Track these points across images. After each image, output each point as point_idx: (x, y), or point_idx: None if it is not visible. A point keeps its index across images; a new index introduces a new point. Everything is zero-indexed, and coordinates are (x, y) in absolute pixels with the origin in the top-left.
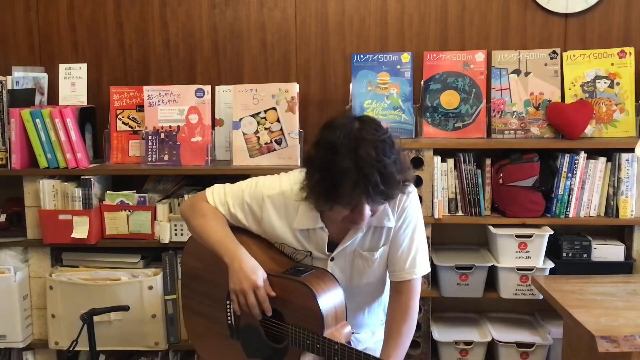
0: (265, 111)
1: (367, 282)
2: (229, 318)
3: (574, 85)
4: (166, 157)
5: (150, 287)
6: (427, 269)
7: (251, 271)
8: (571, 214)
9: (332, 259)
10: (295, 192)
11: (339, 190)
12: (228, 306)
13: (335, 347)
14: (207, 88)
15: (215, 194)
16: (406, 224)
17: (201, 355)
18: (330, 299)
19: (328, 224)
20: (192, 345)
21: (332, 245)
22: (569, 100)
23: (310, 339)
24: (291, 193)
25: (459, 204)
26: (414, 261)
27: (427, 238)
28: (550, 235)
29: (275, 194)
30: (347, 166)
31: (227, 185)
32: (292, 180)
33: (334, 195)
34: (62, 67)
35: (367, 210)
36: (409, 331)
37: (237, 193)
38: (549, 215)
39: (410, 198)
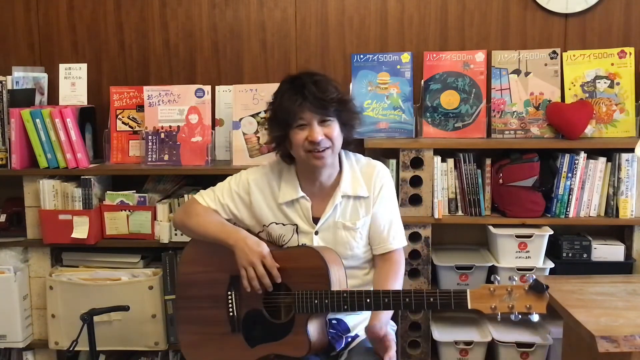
0: (265, 111)
1: (352, 255)
2: (230, 311)
3: (574, 85)
4: (166, 157)
5: (150, 287)
6: (406, 242)
7: (256, 244)
8: (571, 214)
9: (316, 233)
10: (275, 170)
11: (283, 106)
12: (230, 298)
13: (344, 296)
14: (207, 88)
15: (204, 194)
16: (385, 199)
17: None
18: (333, 263)
19: (309, 195)
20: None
21: (316, 222)
22: (569, 100)
23: (318, 297)
24: (272, 172)
25: (459, 204)
26: (396, 233)
27: (427, 238)
28: (550, 235)
29: (258, 176)
30: (287, 87)
31: (212, 187)
32: (272, 163)
33: (281, 112)
34: (62, 67)
35: (318, 127)
36: (398, 282)
37: (224, 186)
38: (549, 215)
39: (386, 176)
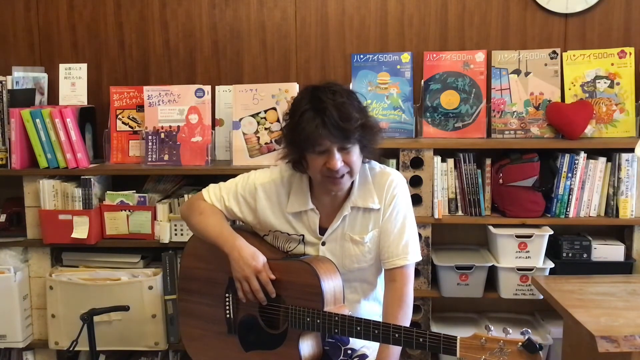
0: (265, 111)
1: (359, 268)
2: (227, 313)
3: (574, 85)
4: (166, 157)
5: (150, 287)
6: (419, 257)
7: (251, 257)
8: (571, 214)
9: (323, 243)
10: (286, 178)
11: (300, 129)
12: (227, 300)
13: (335, 319)
14: (207, 88)
15: (211, 191)
16: (396, 211)
17: None
18: (329, 280)
19: (318, 207)
20: (187, 351)
21: (323, 232)
22: (569, 100)
23: (311, 315)
24: (282, 180)
25: (459, 204)
26: (406, 247)
27: (427, 238)
28: (550, 235)
29: (266, 182)
30: (306, 107)
31: (222, 183)
32: (283, 168)
33: (298, 135)
34: (62, 67)
35: (337, 155)
36: (405, 317)
37: (231, 187)
38: (549, 215)
39: (399, 187)
